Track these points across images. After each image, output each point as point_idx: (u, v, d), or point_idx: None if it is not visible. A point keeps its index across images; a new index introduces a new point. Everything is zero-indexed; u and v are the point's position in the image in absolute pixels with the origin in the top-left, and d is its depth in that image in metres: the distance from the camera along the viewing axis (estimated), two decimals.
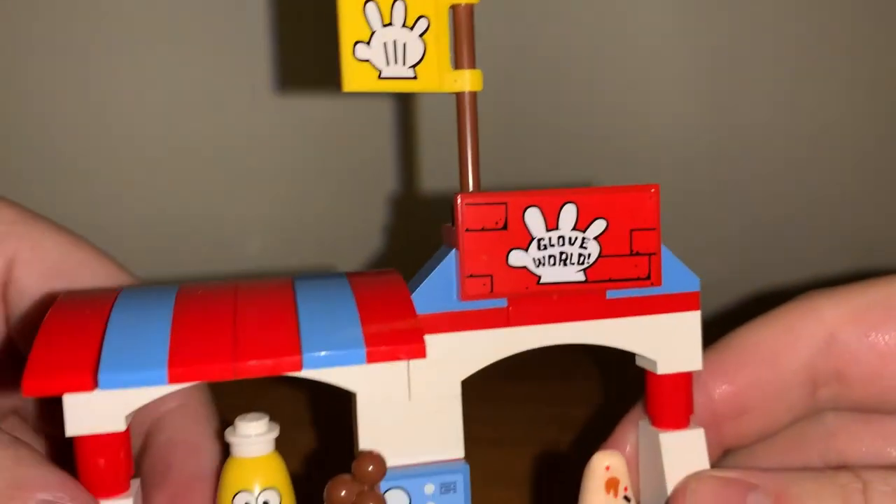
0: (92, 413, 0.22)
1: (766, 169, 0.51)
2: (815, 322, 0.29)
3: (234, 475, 0.24)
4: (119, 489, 0.23)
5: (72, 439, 0.22)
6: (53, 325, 0.21)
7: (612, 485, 0.22)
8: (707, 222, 0.51)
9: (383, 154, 0.44)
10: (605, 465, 0.22)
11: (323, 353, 0.21)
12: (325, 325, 0.22)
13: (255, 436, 0.24)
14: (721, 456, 0.29)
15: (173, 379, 0.21)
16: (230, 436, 0.24)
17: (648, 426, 0.27)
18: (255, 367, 0.21)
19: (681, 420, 0.27)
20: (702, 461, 0.27)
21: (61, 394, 0.20)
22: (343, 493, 0.22)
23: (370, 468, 0.23)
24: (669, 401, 0.27)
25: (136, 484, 0.24)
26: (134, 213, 0.44)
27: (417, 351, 0.22)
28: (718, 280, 0.43)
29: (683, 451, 0.27)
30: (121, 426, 0.22)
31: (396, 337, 0.22)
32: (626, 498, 0.22)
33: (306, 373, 0.23)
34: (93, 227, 0.41)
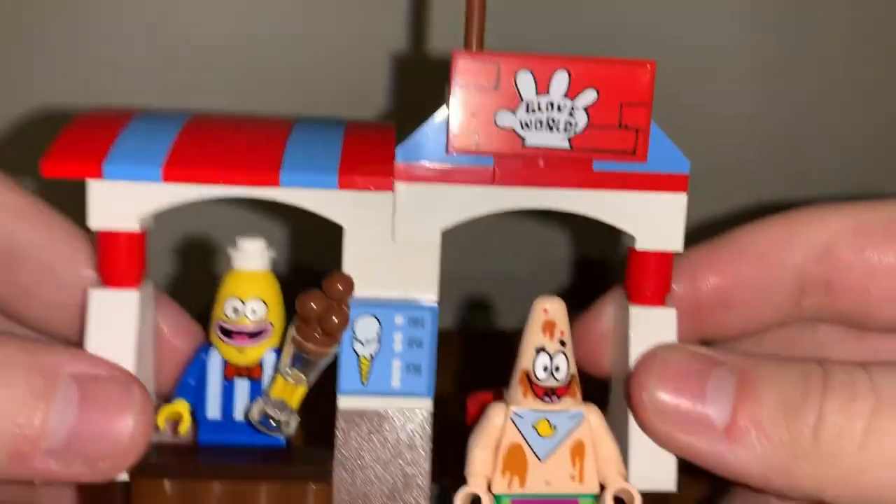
0: (109, 209, 0.25)
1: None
2: (815, 228, 0.29)
3: (228, 284, 0.27)
4: (132, 283, 0.26)
5: None
6: (76, 126, 0.25)
7: (548, 327, 0.24)
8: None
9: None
10: (543, 308, 0.23)
11: (298, 174, 0.24)
12: (307, 153, 0.24)
13: (251, 251, 0.27)
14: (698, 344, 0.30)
15: (167, 177, 0.24)
16: (231, 251, 0.27)
17: (624, 300, 0.28)
18: (238, 176, 0.23)
19: (655, 298, 0.28)
20: (670, 339, 0.28)
21: (70, 177, 0.24)
22: (312, 305, 0.25)
23: (339, 286, 0.25)
24: (645, 277, 0.28)
25: (149, 286, 0.27)
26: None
27: (384, 184, 0.24)
28: None
29: (653, 327, 0.28)
30: (135, 226, 0.26)
31: (368, 169, 0.24)
32: (562, 342, 0.24)
33: (294, 200, 0.25)
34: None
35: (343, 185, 0.24)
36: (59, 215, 0.28)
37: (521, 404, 0.24)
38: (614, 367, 0.29)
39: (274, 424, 0.26)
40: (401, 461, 0.27)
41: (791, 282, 0.29)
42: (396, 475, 0.27)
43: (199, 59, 0.46)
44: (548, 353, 0.24)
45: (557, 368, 0.24)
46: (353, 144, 0.25)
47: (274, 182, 0.24)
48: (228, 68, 0.46)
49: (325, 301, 0.25)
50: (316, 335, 0.25)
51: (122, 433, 0.24)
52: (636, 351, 0.27)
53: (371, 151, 0.25)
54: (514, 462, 0.24)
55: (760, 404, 0.24)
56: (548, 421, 0.24)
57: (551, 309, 0.24)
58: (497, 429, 0.24)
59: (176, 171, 0.23)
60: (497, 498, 0.24)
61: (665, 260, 0.28)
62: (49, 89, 0.45)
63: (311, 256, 0.44)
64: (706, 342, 0.30)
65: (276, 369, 0.27)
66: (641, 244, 0.27)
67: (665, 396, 0.25)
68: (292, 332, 0.26)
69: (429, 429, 0.27)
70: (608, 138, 0.26)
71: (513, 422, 0.24)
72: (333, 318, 0.25)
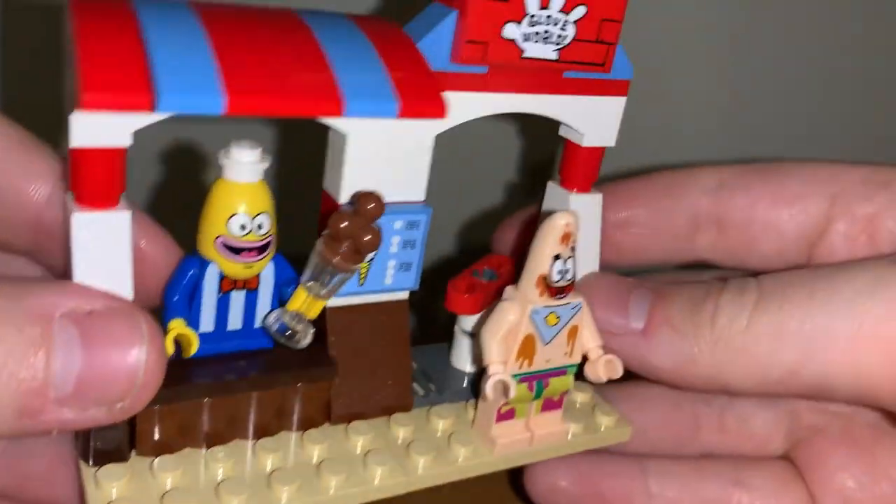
0: (105, 128, 0.21)
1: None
2: (710, 172, 0.33)
3: (226, 198, 0.25)
4: (113, 202, 0.23)
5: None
6: (91, 40, 0.20)
7: (566, 238, 0.27)
8: None
9: None
10: (564, 222, 0.27)
11: (361, 104, 0.23)
12: (357, 76, 0.23)
13: (249, 162, 0.25)
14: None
15: (231, 109, 0.21)
16: (223, 159, 0.25)
17: (558, 187, 0.32)
18: (303, 107, 0.22)
19: (586, 185, 0.32)
20: (596, 220, 0.33)
21: (123, 110, 0.20)
22: (345, 223, 0.25)
23: (372, 205, 0.25)
24: (582, 168, 0.32)
25: (125, 201, 0.24)
26: None
27: (440, 113, 0.24)
28: None
29: (585, 210, 0.32)
30: (127, 141, 0.22)
31: (425, 104, 0.24)
32: (573, 248, 0.27)
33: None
34: None
35: (404, 115, 0.23)
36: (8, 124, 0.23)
37: (538, 303, 0.27)
38: None
39: (290, 334, 0.26)
40: (387, 346, 0.29)
41: (686, 217, 0.33)
42: (384, 360, 0.29)
43: None
44: (562, 259, 0.27)
45: (568, 271, 0.27)
46: (392, 62, 0.24)
47: (337, 113, 0.22)
48: None
49: (358, 219, 0.25)
50: (344, 251, 0.25)
51: (135, 367, 0.22)
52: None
53: (414, 73, 0.24)
54: (527, 349, 0.28)
55: (671, 304, 0.29)
56: (555, 313, 0.28)
57: (572, 222, 0.27)
58: (511, 324, 0.27)
59: (239, 101, 0.21)
60: (513, 376, 0.28)
61: (598, 154, 0.32)
62: None
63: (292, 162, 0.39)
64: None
65: (277, 278, 0.26)
66: (587, 141, 0.31)
67: (597, 315, 0.30)
68: (319, 247, 0.25)
69: (406, 313, 0.30)
70: (587, 51, 0.29)
71: (531, 319, 0.27)
72: (367, 236, 0.25)
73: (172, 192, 0.27)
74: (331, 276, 0.26)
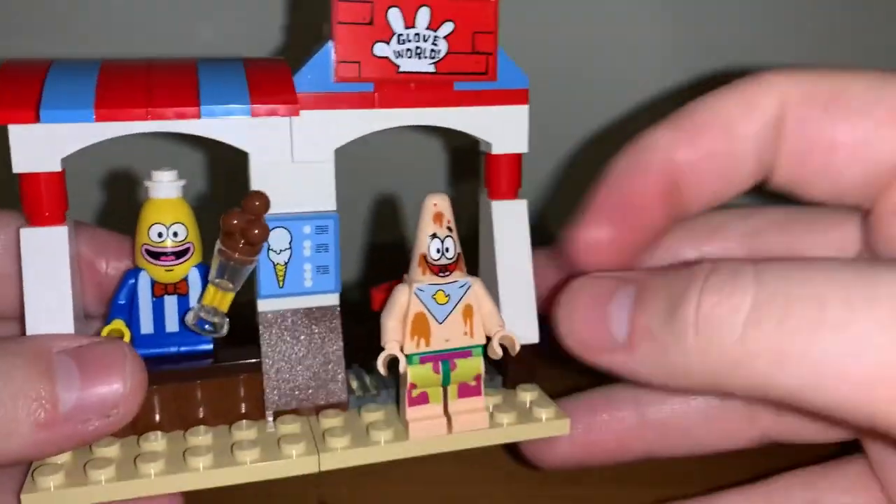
0: (34, 152, 0.28)
1: None
2: (770, 96, 0.28)
3: (149, 212, 0.30)
4: (57, 220, 0.29)
5: None
6: (1, 75, 0.27)
7: (438, 217, 0.29)
8: None
9: None
10: (433, 203, 0.29)
11: (216, 105, 0.27)
12: (218, 87, 0.28)
13: (166, 181, 0.30)
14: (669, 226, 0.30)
15: (99, 118, 0.26)
16: (147, 182, 0.30)
17: (485, 197, 0.35)
18: (163, 112, 0.27)
19: (509, 192, 0.34)
20: (523, 225, 0.34)
21: (9, 123, 0.26)
22: (235, 221, 0.29)
23: (257, 203, 0.29)
24: (501, 176, 0.34)
25: (70, 221, 0.30)
26: None
27: (292, 109, 0.28)
28: None
29: (510, 216, 0.34)
30: (57, 167, 0.28)
31: (275, 98, 0.28)
32: (449, 228, 0.30)
33: (208, 128, 0.29)
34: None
35: (256, 114, 0.28)
36: None
37: (422, 281, 0.30)
38: (483, 251, 0.35)
39: (209, 327, 0.30)
40: (319, 348, 0.32)
41: (753, 152, 0.29)
42: (317, 360, 0.32)
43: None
44: (439, 238, 0.29)
45: (448, 249, 0.29)
46: (256, 78, 0.29)
47: (195, 115, 0.27)
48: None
49: (245, 216, 0.29)
50: (240, 246, 0.29)
51: (124, 380, 0.27)
52: (499, 239, 0.34)
53: (274, 82, 0.29)
54: (420, 327, 0.30)
55: (649, 311, 0.25)
56: (443, 291, 0.30)
57: (440, 202, 0.29)
58: (402, 304, 0.30)
59: (106, 111, 0.26)
60: (409, 357, 0.30)
61: (515, 160, 0.34)
62: None
63: (218, 183, 0.47)
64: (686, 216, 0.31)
65: (207, 280, 0.31)
66: (496, 149, 0.34)
67: (577, 327, 0.28)
68: (218, 245, 0.29)
69: (338, 317, 0.32)
70: (465, 62, 0.32)
71: (416, 296, 0.29)
72: (255, 230, 0.29)
73: (122, 214, 0.33)
74: (233, 270, 0.30)
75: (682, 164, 0.29)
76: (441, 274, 0.30)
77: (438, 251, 0.29)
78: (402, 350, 0.30)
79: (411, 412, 0.30)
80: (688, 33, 0.56)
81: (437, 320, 0.30)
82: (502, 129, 0.33)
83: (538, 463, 0.35)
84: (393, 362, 0.30)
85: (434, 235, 0.29)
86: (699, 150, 0.29)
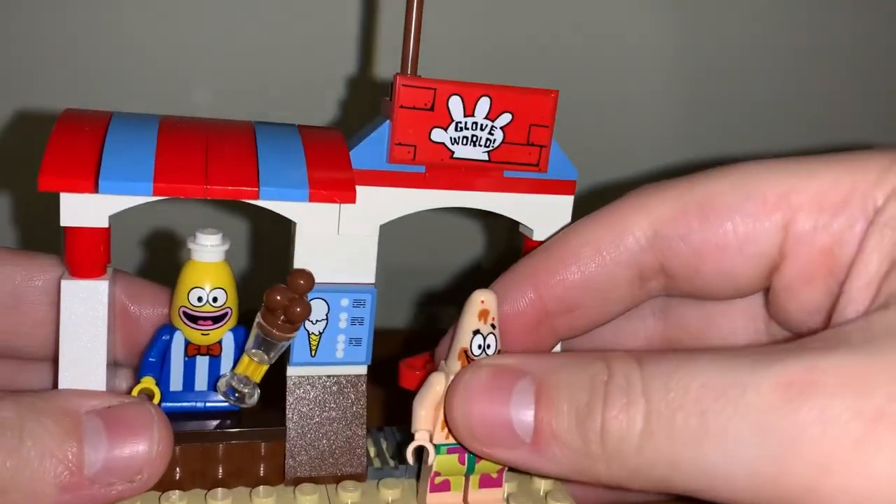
0: (85, 211, 0.28)
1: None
2: (640, 218, 0.30)
3: (190, 275, 0.30)
4: (98, 272, 0.29)
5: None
6: (60, 136, 0.26)
7: (483, 314, 0.29)
8: None
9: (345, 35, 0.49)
10: (480, 299, 0.29)
11: (274, 190, 0.27)
12: (278, 165, 0.28)
13: (210, 245, 0.30)
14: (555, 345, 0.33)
15: (157, 192, 0.26)
16: (191, 243, 0.30)
17: None
18: (221, 191, 0.27)
19: None
20: None
21: (68, 191, 0.26)
22: (278, 297, 0.29)
23: (301, 281, 0.29)
24: None
25: (110, 270, 0.30)
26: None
27: (348, 198, 0.28)
28: None
29: None
30: (104, 223, 0.28)
31: (333, 184, 0.28)
32: (493, 325, 0.30)
33: (261, 202, 0.29)
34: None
35: (313, 199, 0.28)
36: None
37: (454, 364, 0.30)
38: None
39: (237, 396, 0.30)
40: (343, 417, 0.32)
41: (629, 275, 0.30)
42: (340, 429, 0.32)
43: (169, 72, 0.46)
44: (482, 335, 0.29)
45: (489, 346, 0.30)
46: (314, 157, 0.29)
47: (253, 197, 0.27)
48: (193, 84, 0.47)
49: (289, 293, 0.29)
50: (279, 322, 0.29)
51: (151, 446, 0.27)
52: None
53: (332, 165, 0.29)
54: None
55: (555, 414, 0.26)
56: None
57: (487, 300, 0.29)
58: (437, 394, 0.30)
59: (165, 186, 0.26)
60: (437, 447, 0.30)
61: None
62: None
63: (264, 246, 0.47)
64: (563, 342, 0.33)
65: (243, 350, 0.31)
66: (537, 236, 0.34)
67: (475, 421, 0.28)
68: (259, 319, 0.29)
69: (364, 388, 0.33)
70: (518, 153, 0.32)
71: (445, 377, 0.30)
72: (297, 308, 0.29)
73: (162, 270, 0.33)
74: (270, 345, 0.30)
75: (555, 292, 0.31)
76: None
77: (480, 347, 0.30)
78: (431, 440, 0.30)
79: (432, 498, 0.31)
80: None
81: None
82: (545, 217, 0.34)
83: None
84: (419, 449, 0.30)
85: (477, 332, 0.29)
86: (572, 277, 0.31)
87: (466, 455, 0.30)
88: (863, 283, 0.26)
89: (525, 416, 0.27)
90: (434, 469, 0.30)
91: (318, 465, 0.32)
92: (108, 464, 0.27)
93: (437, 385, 0.30)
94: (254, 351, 0.30)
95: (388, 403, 0.42)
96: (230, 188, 0.27)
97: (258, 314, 0.30)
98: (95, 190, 0.26)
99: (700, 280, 0.30)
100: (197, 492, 0.31)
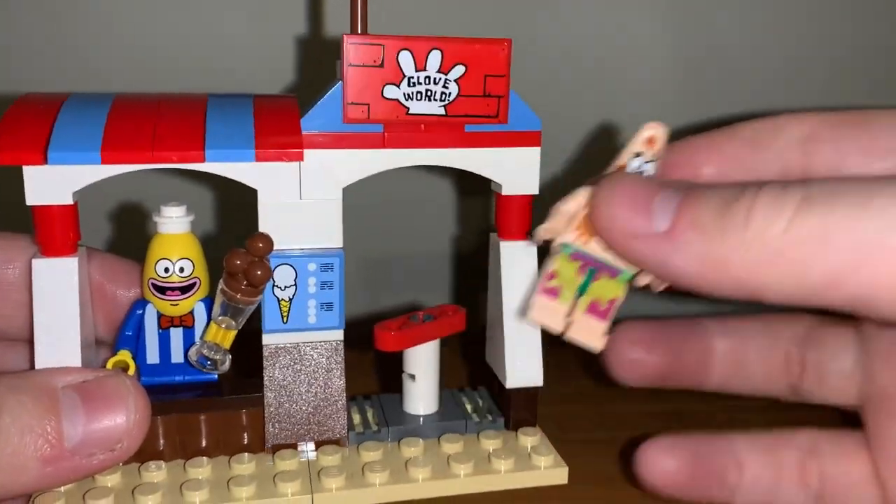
0: (46, 187, 0.28)
1: None
2: (797, 121, 0.30)
3: (156, 247, 0.31)
4: (68, 250, 0.30)
5: None
6: (15, 113, 0.27)
7: (651, 142, 0.28)
8: None
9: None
10: (652, 128, 0.28)
11: (220, 151, 0.28)
12: (225, 130, 0.28)
13: (175, 217, 0.31)
14: None
15: (105, 160, 0.27)
16: (156, 217, 0.31)
17: (495, 237, 0.35)
18: (167, 155, 0.27)
19: (519, 233, 0.34)
20: (531, 266, 0.34)
21: (15, 164, 0.27)
22: (238, 261, 0.29)
23: (260, 244, 0.29)
24: (511, 217, 0.34)
25: (83, 248, 0.31)
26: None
27: (296, 156, 0.28)
28: None
29: (519, 257, 0.34)
30: (68, 200, 0.29)
31: (280, 144, 0.28)
32: (655, 158, 0.28)
33: (216, 168, 0.29)
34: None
35: (260, 159, 0.28)
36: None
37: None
38: (492, 291, 0.35)
39: (210, 363, 0.31)
40: (321, 383, 0.32)
41: (776, 166, 0.30)
42: (318, 396, 0.32)
43: (116, 52, 0.48)
44: (642, 159, 0.28)
45: (643, 172, 0.28)
46: (263, 120, 0.29)
47: (199, 160, 0.28)
48: (140, 59, 0.48)
49: (248, 257, 0.29)
50: (243, 286, 0.29)
51: (128, 415, 0.28)
52: (506, 281, 0.34)
53: (280, 126, 0.29)
54: (588, 227, 0.28)
55: (700, 207, 0.26)
56: None
57: (658, 131, 0.28)
58: (579, 201, 0.28)
59: (112, 154, 0.27)
60: (564, 246, 0.28)
61: (525, 202, 0.34)
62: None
63: (231, 217, 0.48)
64: None
65: (209, 317, 0.31)
66: (506, 190, 0.33)
67: (614, 215, 0.27)
68: (221, 284, 0.30)
69: (341, 353, 0.33)
70: (476, 105, 0.32)
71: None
72: (257, 271, 0.29)
73: (139, 248, 0.33)
74: (236, 309, 0.30)
75: (707, 175, 0.31)
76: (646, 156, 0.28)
77: (635, 171, 0.28)
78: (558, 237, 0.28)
79: (539, 299, 0.28)
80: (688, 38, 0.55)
81: None
82: (513, 170, 0.33)
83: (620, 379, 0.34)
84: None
85: (638, 154, 0.28)
86: (723, 162, 0.31)
87: (588, 270, 0.28)
88: None
89: (667, 212, 0.26)
90: (551, 269, 0.28)
91: (298, 432, 0.32)
92: (87, 436, 0.27)
93: (581, 195, 0.28)
94: (221, 318, 0.30)
95: (378, 374, 0.42)
96: (175, 153, 0.27)
97: (220, 280, 0.30)
98: (45, 162, 0.27)
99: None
100: (177, 462, 0.31)
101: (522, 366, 0.34)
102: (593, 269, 0.28)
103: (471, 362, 0.45)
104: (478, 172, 0.33)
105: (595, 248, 0.28)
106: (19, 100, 0.29)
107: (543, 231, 0.28)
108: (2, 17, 0.46)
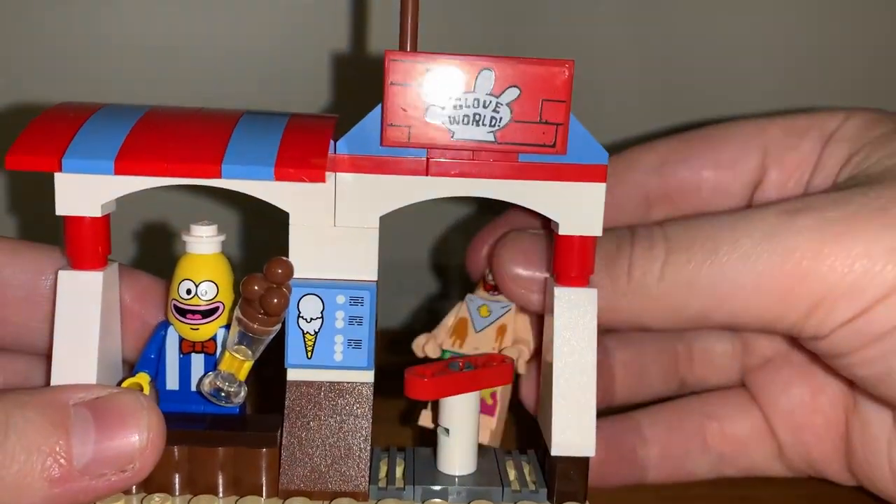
0: (74, 197, 0.28)
1: None
2: (648, 151, 0.37)
3: (182, 267, 0.29)
4: (96, 264, 0.29)
5: None
6: (43, 120, 0.27)
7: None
8: None
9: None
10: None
11: (237, 167, 0.26)
12: (248, 146, 0.26)
13: (204, 237, 0.29)
14: None
15: (119, 171, 0.26)
16: (185, 235, 0.30)
17: (551, 281, 0.31)
18: (181, 169, 0.26)
19: (579, 278, 0.30)
20: (590, 317, 0.30)
21: (31, 170, 0.26)
22: (255, 287, 0.27)
23: (279, 270, 0.27)
24: (570, 260, 0.30)
25: (114, 264, 0.30)
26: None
27: (317, 176, 0.26)
28: None
29: (576, 306, 0.30)
30: (97, 212, 0.28)
31: (302, 162, 0.26)
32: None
33: (240, 186, 0.27)
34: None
35: (279, 177, 0.26)
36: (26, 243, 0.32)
37: (476, 294, 0.35)
38: (546, 341, 0.31)
39: (223, 395, 0.29)
40: (343, 428, 0.30)
41: (637, 199, 0.37)
42: (340, 441, 0.30)
43: (163, 60, 0.49)
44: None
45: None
46: (291, 138, 0.27)
47: (216, 175, 0.26)
48: (189, 69, 0.49)
49: (266, 284, 0.27)
50: (259, 315, 0.27)
51: (141, 434, 0.26)
52: (559, 329, 0.30)
53: (307, 144, 0.27)
54: (461, 330, 0.34)
55: None
56: (487, 306, 0.34)
57: None
58: (456, 311, 0.34)
59: (126, 164, 0.26)
60: (443, 352, 0.33)
61: (587, 243, 0.30)
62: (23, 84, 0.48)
63: (266, 239, 0.47)
64: None
65: (224, 346, 0.29)
66: (564, 229, 0.30)
67: (518, 270, 0.32)
68: (237, 312, 0.28)
69: (369, 397, 0.30)
70: (530, 132, 0.28)
71: (466, 304, 0.34)
72: (274, 299, 0.27)
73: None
74: (252, 339, 0.28)
75: None
76: (492, 292, 0.34)
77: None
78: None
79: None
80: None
81: (475, 328, 0.33)
82: (574, 207, 0.29)
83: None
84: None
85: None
86: None
87: (465, 364, 0.31)
88: (820, 179, 0.34)
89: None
90: None
91: (314, 479, 0.29)
92: (98, 455, 0.26)
93: (455, 311, 0.34)
94: (236, 347, 0.28)
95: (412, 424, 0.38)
96: (189, 166, 0.26)
97: (237, 307, 0.28)
98: (60, 169, 0.26)
99: (699, 198, 0.36)
100: (185, 497, 0.29)
101: (572, 431, 0.29)
102: (469, 365, 0.31)
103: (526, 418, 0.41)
104: (532, 208, 0.30)
105: (469, 347, 0.33)
106: (53, 107, 0.28)
107: (429, 350, 0.33)
108: (31, 22, 0.47)
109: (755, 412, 0.37)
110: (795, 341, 0.34)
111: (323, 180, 0.27)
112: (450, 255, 0.54)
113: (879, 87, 0.53)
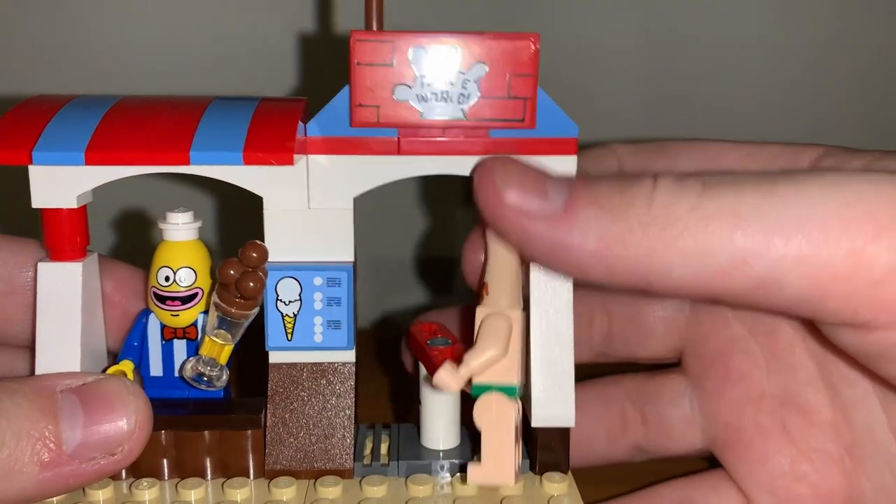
0: (49, 189, 0.28)
1: None
2: (610, 152, 0.35)
3: (159, 255, 0.30)
4: (74, 255, 0.29)
5: None
6: (15, 113, 0.27)
7: None
8: None
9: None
10: None
11: (205, 153, 0.26)
12: (216, 132, 0.27)
13: (180, 224, 0.30)
14: None
15: (89, 161, 0.26)
16: (161, 223, 0.30)
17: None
18: (150, 157, 0.26)
19: None
20: (566, 289, 0.30)
21: (2, 164, 0.26)
22: (231, 271, 0.27)
23: (254, 254, 0.27)
24: None
25: (93, 255, 0.30)
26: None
27: (285, 159, 0.26)
28: None
29: (554, 277, 0.30)
30: (72, 203, 0.28)
31: (270, 146, 0.26)
32: None
33: (209, 171, 0.28)
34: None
35: (248, 161, 0.26)
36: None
37: None
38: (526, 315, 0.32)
39: (206, 380, 0.29)
40: (327, 408, 0.30)
41: None
42: (323, 420, 0.30)
43: (127, 49, 0.49)
44: None
45: None
46: (259, 122, 0.27)
47: (184, 162, 0.26)
48: (152, 56, 0.49)
49: (241, 268, 0.27)
50: (236, 299, 0.28)
51: (129, 418, 0.27)
52: (537, 299, 0.30)
53: (275, 128, 0.27)
54: None
55: (599, 184, 0.25)
56: None
57: None
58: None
59: (96, 154, 0.26)
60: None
61: None
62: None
63: (244, 224, 0.47)
64: None
65: (204, 331, 0.30)
66: None
67: (513, 194, 0.25)
68: (215, 297, 0.28)
69: (351, 377, 0.30)
70: (500, 108, 0.28)
71: None
72: (249, 282, 0.27)
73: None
74: (230, 323, 0.28)
75: None
76: None
77: None
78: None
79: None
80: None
81: None
82: None
83: None
84: None
85: None
86: None
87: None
88: None
89: (561, 187, 0.25)
90: None
91: (299, 459, 0.30)
92: (86, 439, 0.26)
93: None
94: (216, 331, 0.29)
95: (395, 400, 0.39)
96: (159, 154, 0.26)
97: (213, 293, 0.28)
98: (30, 161, 0.26)
99: None
100: (173, 480, 0.30)
101: (551, 402, 0.30)
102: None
103: None
104: None
105: None
106: (24, 101, 0.28)
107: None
108: (15, 16, 0.47)
109: (734, 492, 0.33)
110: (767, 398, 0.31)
111: (291, 163, 0.27)
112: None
113: (878, 89, 0.52)
